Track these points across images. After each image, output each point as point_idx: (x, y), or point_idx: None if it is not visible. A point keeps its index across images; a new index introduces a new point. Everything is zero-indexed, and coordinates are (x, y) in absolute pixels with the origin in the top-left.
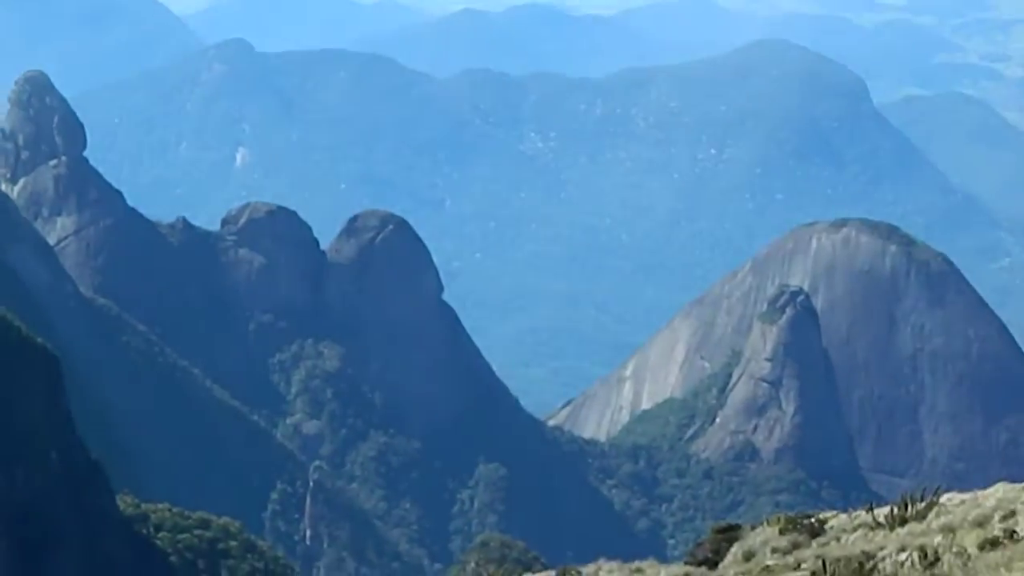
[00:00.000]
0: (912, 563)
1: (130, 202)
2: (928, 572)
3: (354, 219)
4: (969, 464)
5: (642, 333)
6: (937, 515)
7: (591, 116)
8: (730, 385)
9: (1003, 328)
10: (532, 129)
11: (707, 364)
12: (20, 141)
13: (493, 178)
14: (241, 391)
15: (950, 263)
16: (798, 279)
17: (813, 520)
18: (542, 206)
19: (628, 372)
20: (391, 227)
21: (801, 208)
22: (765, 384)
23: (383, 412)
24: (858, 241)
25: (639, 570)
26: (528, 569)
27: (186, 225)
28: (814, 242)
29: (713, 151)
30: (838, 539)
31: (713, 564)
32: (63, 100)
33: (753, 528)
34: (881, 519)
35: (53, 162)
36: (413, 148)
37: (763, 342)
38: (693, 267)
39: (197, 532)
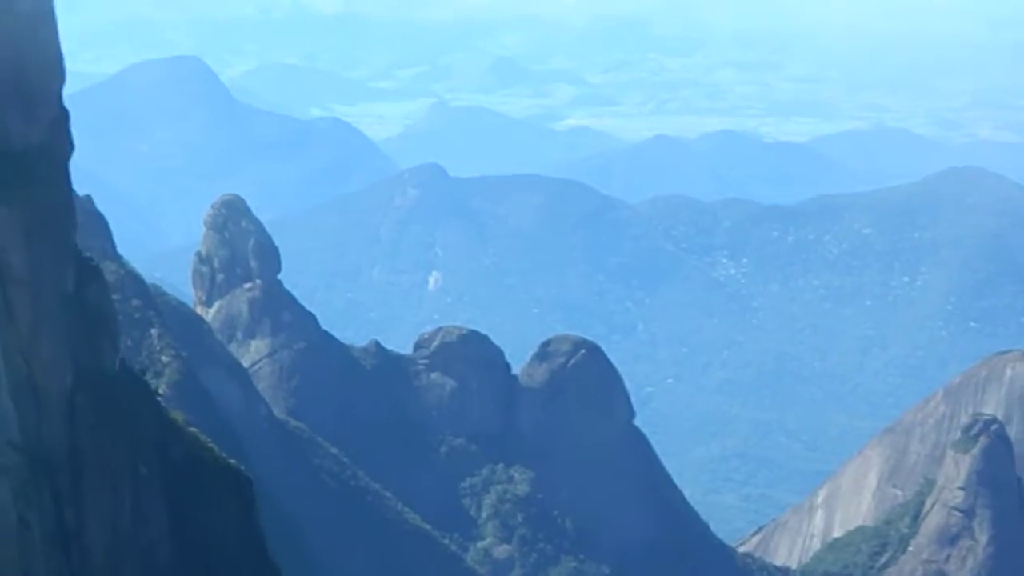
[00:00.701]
0: None
1: (324, 325)
2: None
3: (547, 343)
4: None
5: (833, 460)
6: None
7: (783, 242)
8: (923, 514)
9: None
10: (724, 255)
11: (899, 492)
12: (216, 264)
13: (685, 303)
14: (432, 515)
15: None
16: (992, 407)
17: None
18: (734, 332)
19: (819, 500)
20: (583, 352)
21: (995, 336)
22: (958, 513)
23: (574, 537)
24: None
25: None
26: None
27: (379, 348)
28: (1008, 370)
29: (906, 278)
30: None
31: None
32: (259, 224)
33: None
34: None
35: (248, 285)
36: (606, 273)
37: (956, 471)
38: (885, 395)
39: None
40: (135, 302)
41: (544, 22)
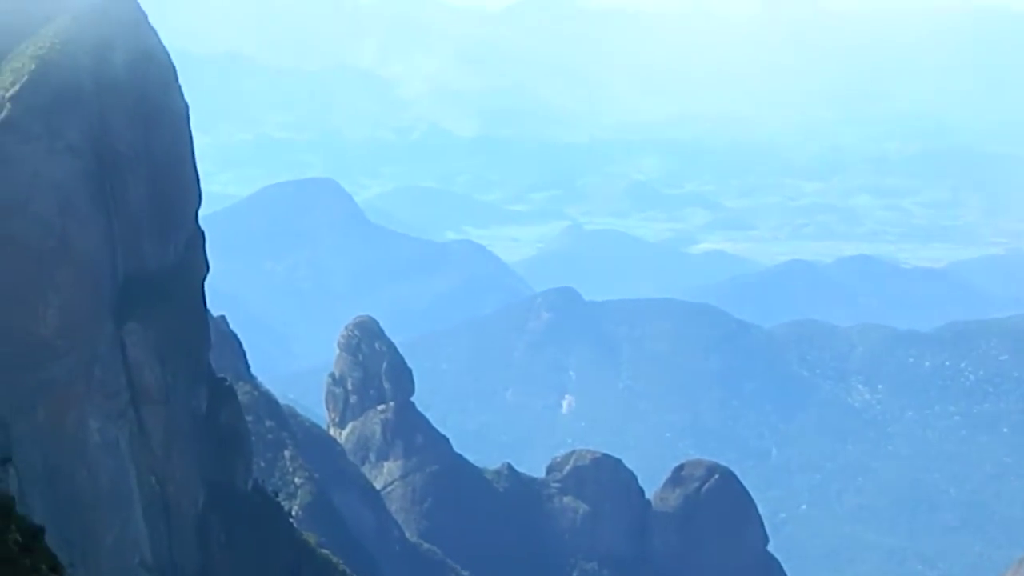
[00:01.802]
0: None
1: (456, 448)
2: None
3: (680, 468)
4: None
5: None
6: None
7: (919, 369)
8: None
9: None
10: (859, 381)
11: None
12: (349, 386)
13: (819, 429)
14: None
15: None
16: None
17: None
18: (868, 458)
19: None
20: (717, 477)
21: None
22: None
23: None
24: None
25: None
26: None
27: (511, 472)
28: None
29: None
30: None
31: None
32: (392, 345)
33: None
34: None
35: (381, 407)
36: (740, 398)
37: None
38: (1022, 522)
39: None
40: (268, 423)
41: (679, 146)
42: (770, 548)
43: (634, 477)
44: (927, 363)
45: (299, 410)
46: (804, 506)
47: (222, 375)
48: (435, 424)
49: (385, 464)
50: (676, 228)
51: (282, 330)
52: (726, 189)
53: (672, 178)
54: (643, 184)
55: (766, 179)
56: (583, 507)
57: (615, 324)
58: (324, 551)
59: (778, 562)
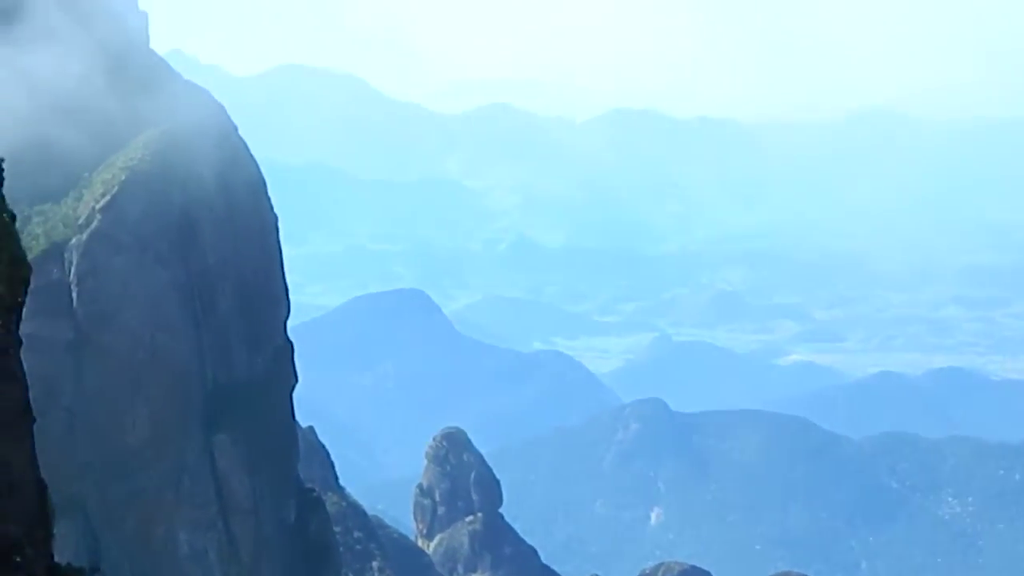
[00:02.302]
0: None
1: (544, 559)
2: None
3: None
4: None
5: None
6: None
7: (1010, 481)
8: None
9: None
10: (950, 493)
11: None
12: (437, 497)
13: (909, 542)
14: None
15: None
16: None
17: None
18: (959, 571)
19: None
20: None
21: None
22: None
23: None
24: None
25: None
26: None
27: None
28: None
29: None
30: None
31: None
32: (480, 456)
33: None
34: None
35: (469, 518)
36: (829, 510)
37: None
38: None
39: None
40: (356, 534)
41: (767, 256)
42: None
43: None
44: (1017, 476)
45: (387, 521)
46: None
47: (310, 485)
48: (523, 535)
49: None
50: (764, 339)
51: (370, 441)
52: (814, 300)
53: (760, 289)
54: (731, 295)
55: (855, 290)
56: None
57: (703, 435)
58: None
59: None
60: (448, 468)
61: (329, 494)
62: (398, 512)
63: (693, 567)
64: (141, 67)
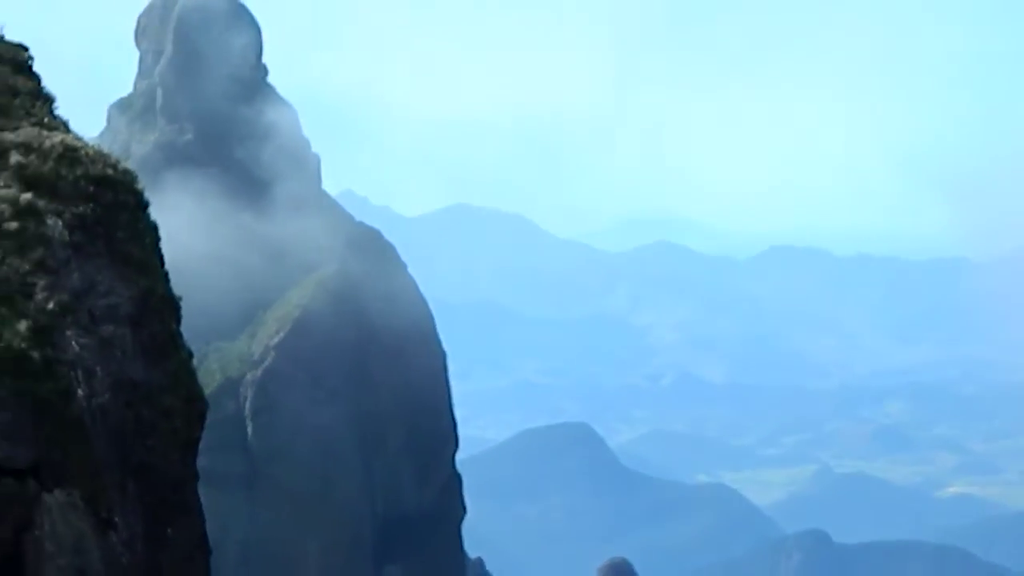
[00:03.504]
0: None
1: None
2: None
3: None
4: None
5: None
6: None
7: None
8: None
9: None
10: None
11: None
12: None
13: None
14: None
15: None
16: None
17: None
18: None
19: None
20: None
21: None
22: None
23: None
24: None
25: None
26: None
27: None
28: None
29: None
30: None
31: None
32: None
33: None
34: None
35: None
36: None
37: None
38: None
39: None
40: None
41: (927, 390)
42: None
43: None
44: None
45: None
46: None
47: None
48: None
49: None
50: (924, 471)
51: (538, 573)
52: (973, 432)
53: (919, 422)
54: (891, 428)
55: (1014, 423)
56: None
57: (865, 566)
58: None
59: None
60: None
61: None
62: None
63: None
64: (315, 207)
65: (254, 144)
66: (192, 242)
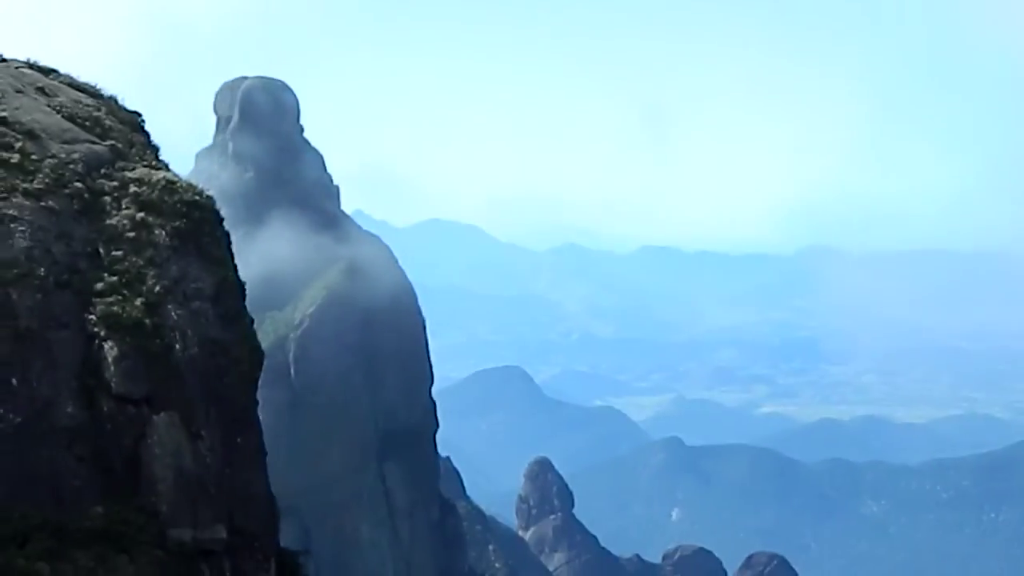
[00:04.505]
0: None
1: (602, 543)
2: None
3: None
4: None
5: None
6: None
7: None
8: None
9: None
10: (869, 497)
11: None
12: (531, 503)
13: (844, 532)
14: None
15: None
16: None
17: None
18: (877, 553)
19: None
20: None
21: None
22: None
23: None
24: None
25: None
26: None
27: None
28: None
29: None
30: None
31: None
32: (559, 476)
33: None
34: None
35: (553, 517)
36: (791, 511)
37: None
38: None
39: None
40: (478, 527)
41: (748, 341)
42: None
43: None
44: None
45: (499, 520)
46: None
47: (447, 496)
48: (588, 527)
49: (555, 555)
50: (746, 397)
51: (487, 467)
52: (778, 371)
53: (742, 364)
54: (723, 368)
55: (805, 363)
56: None
57: (707, 462)
58: None
59: None
60: (538, 483)
61: (460, 502)
62: (506, 514)
63: (701, 549)
64: (335, 220)
65: (295, 177)
66: (268, 248)
